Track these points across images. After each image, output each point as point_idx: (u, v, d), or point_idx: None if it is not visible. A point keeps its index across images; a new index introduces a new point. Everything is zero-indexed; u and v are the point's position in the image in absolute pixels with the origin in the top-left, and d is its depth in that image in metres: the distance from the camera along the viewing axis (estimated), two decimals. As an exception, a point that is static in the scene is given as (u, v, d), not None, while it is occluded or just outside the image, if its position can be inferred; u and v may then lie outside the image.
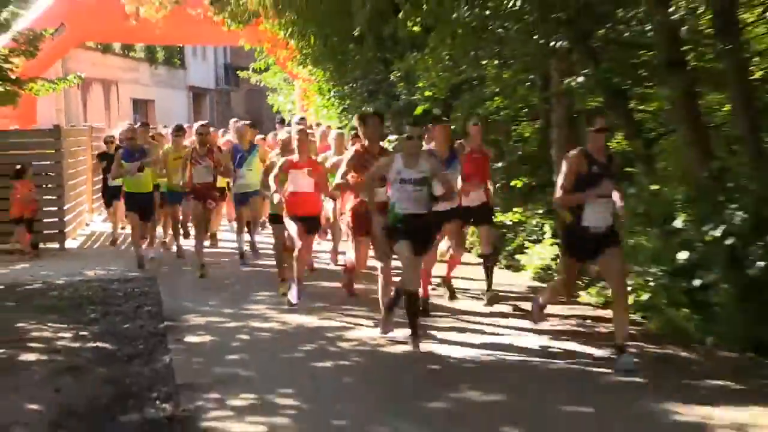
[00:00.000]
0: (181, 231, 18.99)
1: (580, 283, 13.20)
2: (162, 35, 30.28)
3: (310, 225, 13.68)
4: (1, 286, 15.68)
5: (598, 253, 9.97)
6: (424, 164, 10.85)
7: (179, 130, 18.59)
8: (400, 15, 15.74)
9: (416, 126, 11.26)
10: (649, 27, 12.51)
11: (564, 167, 10.05)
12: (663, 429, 8.26)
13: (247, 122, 18.70)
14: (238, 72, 42.50)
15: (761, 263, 9.86)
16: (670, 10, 11.75)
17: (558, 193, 10.16)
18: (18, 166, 18.55)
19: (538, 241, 15.66)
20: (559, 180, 10.16)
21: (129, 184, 17.05)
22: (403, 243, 10.84)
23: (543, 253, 15.07)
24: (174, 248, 19.07)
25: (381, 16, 17.73)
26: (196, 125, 17.64)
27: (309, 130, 16.34)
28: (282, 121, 22.92)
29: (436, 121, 13.25)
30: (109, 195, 20.49)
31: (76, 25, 26.68)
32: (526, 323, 12.09)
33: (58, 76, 22.19)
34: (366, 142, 12.66)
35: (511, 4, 13.29)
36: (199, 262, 16.15)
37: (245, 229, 18.16)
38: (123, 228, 21.33)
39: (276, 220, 14.35)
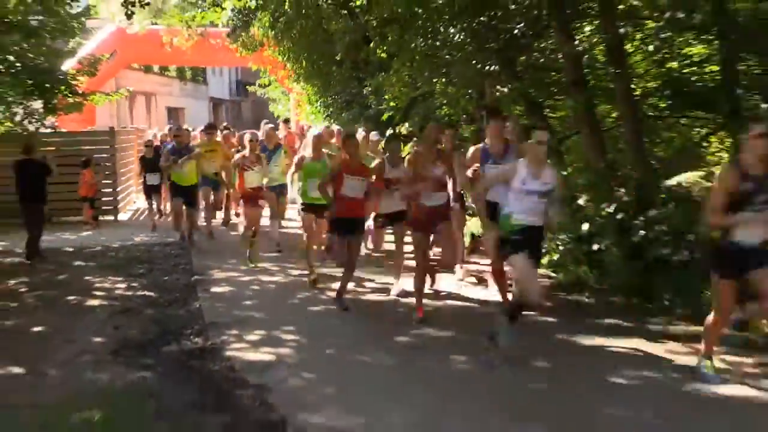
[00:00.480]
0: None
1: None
2: (190, 59, 30.57)
3: (350, 227, 10.55)
4: (72, 249, 15.61)
5: (749, 268, 7.18)
6: (550, 176, 8.32)
7: (211, 128, 17.63)
8: (371, 44, 15.86)
9: (542, 129, 8.66)
10: (560, 56, 12.48)
11: (715, 185, 7.44)
12: (572, 351, 8.50)
13: (273, 125, 17.21)
14: (246, 86, 42.39)
15: (642, 232, 10.03)
16: (576, 43, 11.81)
17: (710, 215, 7.39)
18: (84, 158, 18.51)
19: (473, 215, 15.63)
20: (711, 199, 7.39)
21: (176, 177, 15.36)
22: (520, 255, 8.28)
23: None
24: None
25: (356, 46, 17.96)
26: (244, 133, 16.52)
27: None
28: (287, 121, 22.41)
29: (493, 116, 10.57)
30: (147, 191, 18.87)
31: (125, 52, 26.54)
32: (467, 279, 12.08)
33: (112, 90, 22.02)
34: (420, 148, 10.24)
35: (456, 37, 13.35)
36: (251, 254, 13.43)
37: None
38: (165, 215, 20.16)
39: (307, 209, 12.27)
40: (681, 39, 12.17)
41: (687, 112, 12.92)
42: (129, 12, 13.35)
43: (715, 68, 12.07)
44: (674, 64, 12.95)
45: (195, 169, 15.68)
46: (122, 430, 6.43)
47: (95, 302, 11.12)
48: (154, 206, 19.02)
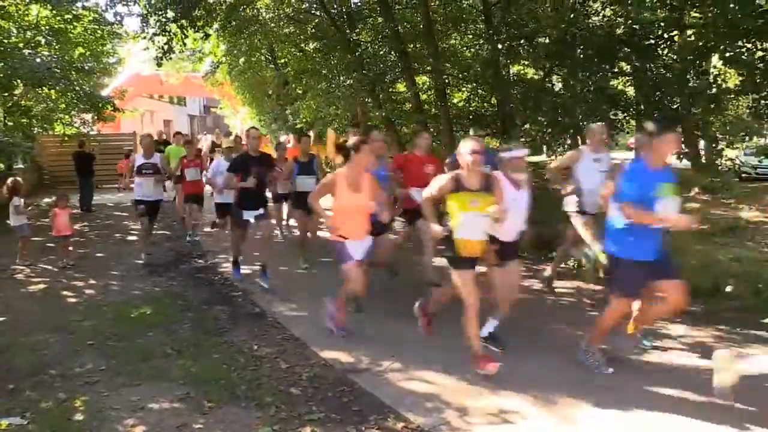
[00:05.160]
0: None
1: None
2: (177, 90, 29.00)
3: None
4: (112, 204, 14.35)
5: None
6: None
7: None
8: (291, 84, 15.26)
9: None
10: (409, 93, 12.04)
11: None
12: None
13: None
14: (208, 107, 40.68)
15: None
16: (418, 85, 11.51)
17: None
18: (127, 150, 16.85)
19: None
20: None
21: None
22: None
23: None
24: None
25: (280, 86, 17.56)
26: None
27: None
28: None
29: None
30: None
31: (138, 86, 24.63)
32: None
33: (131, 109, 20.45)
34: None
35: (345, 82, 12.68)
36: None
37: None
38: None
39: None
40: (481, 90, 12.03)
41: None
42: (159, 63, 12.47)
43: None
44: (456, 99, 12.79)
45: None
46: (167, 318, 5.77)
47: (132, 237, 10.22)
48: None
